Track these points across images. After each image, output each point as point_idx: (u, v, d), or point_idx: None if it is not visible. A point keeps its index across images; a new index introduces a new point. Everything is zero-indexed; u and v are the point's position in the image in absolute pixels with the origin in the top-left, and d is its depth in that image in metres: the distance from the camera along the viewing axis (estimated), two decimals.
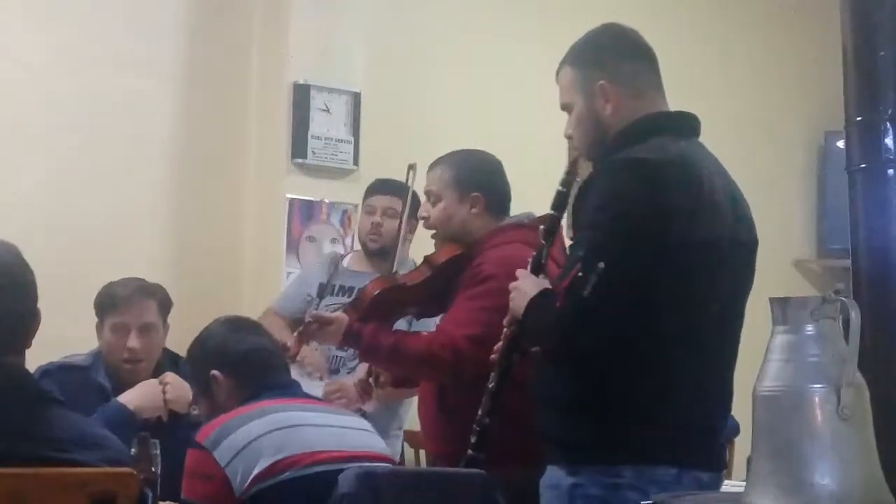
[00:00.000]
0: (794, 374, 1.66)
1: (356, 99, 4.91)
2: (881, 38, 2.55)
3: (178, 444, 2.69)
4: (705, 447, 2.52)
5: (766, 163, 5.93)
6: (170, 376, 3.28)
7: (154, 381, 3.28)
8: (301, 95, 4.79)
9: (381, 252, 4.04)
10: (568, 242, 2.66)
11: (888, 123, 2.53)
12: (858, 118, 2.59)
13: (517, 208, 3.39)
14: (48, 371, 3.23)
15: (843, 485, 1.61)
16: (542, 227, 2.81)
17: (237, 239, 4.84)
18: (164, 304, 3.40)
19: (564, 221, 2.87)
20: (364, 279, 3.55)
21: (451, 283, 3.26)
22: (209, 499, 2.61)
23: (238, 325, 3.01)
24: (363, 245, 4.17)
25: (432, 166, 3.38)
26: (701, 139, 2.65)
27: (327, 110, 4.84)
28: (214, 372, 2.88)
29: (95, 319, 3.38)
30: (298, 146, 4.78)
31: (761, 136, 6.05)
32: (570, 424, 2.51)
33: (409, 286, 3.33)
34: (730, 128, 5.27)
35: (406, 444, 4.31)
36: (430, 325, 3.52)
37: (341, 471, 2.59)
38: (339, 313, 3.32)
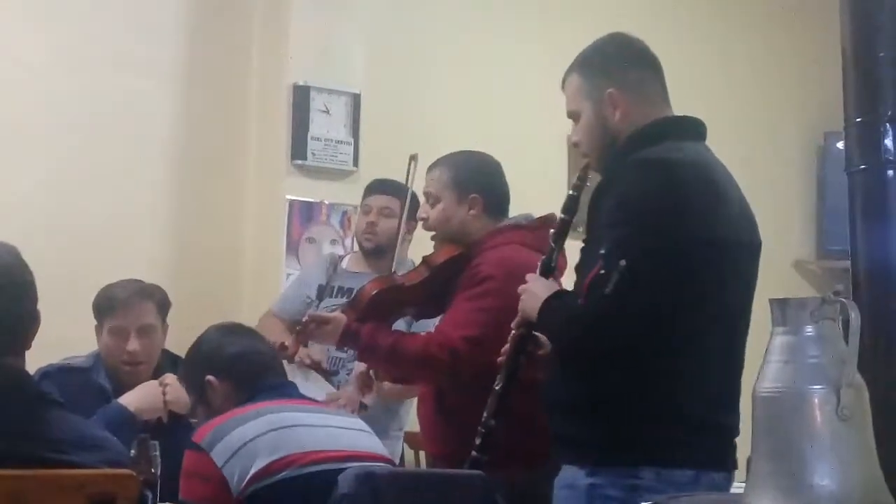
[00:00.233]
0: (793, 375, 1.66)
1: (356, 100, 4.91)
2: (881, 40, 2.55)
3: (178, 445, 2.68)
4: (720, 448, 2.53)
5: (765, 163, 5.92)
6: (169, 378, 3.27)
7: (154, 382, 3.28)
8: (301, 97, 4.79)
9: (376, 251, 4.04)
10: (579, 245, 2.65)
11: (888, 124, 2.53)
12: (858, 119, 2.59)
13: (517, 209, 3.39)
14: (48, 373, 3.23)
15: (843, 486, 1.61)
16: (552, 230, 2.81)
17: (237, 240, 4.83)
18: (163, 305, 3.39)
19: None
20: (363, 280, 3.55)
21: (449, 284, 3.26)
22: (206, 499, 2.61)
23: (231, 330, 3.02)
24: (359, 245, 4.17)
25: (431, 168, 3.39)
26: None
27: (327, 111, 4.84)
28: (209, 377, 2.88)
29: (95, 321, 3.38)
30: (298, 147, 4.78)
31: (761, 137, 6.05)
32: (588, 424, 2.50)
33: (407, 286, 3.33)
34: (730, 128, 5.25)
35: (406, 446, 4.31)
36: (429, 326, 3.51)
37: (338, 471, 2.59)
38: (337, 313, 3.32)
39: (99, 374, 3.33)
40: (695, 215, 2.43)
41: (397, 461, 3.99)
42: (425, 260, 3.36)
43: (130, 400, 3.21)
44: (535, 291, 2.64)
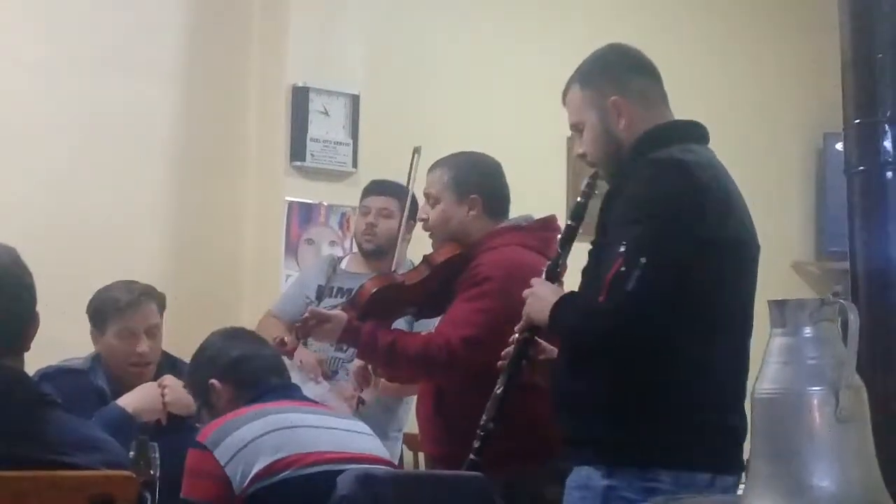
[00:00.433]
0: (792, 376, 1.66)
1: (355, 101, 4.91)
2: (880, 41, 2.55)
3: (177, 447, 2.69)
4: (733, 450, 2.53)
5: (764, 164, 5.92)
6: (168, 379, 3.27)
7: (153, 384, 3.28)
8: (300, 98, 4.79)
9: (376, 252, 4.05)
10: (582, 249, 2.66)
11: (886, 126, 2.52)
12: (857, 120, 2.58)
13: (516, 210, 3.39)
14: (47, 374, 3.22)
15: (842, 486, 1.61)
16: (559, 236, 2.81)
17: (237, 241, 4.84)
18: (162, 305, 3.41)
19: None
20: (362, 281, 3.55)
21: (449, 284, 3.26)
22: (209, 498, 2.64)
23: (233, 334, 3.06)
24: (358, 246, 4.18)
25: (431, 168, 3.39)
26: None
27: (326, 113, 4.84)
28: (212, 381, 2.92)
29: (91, 325, 3.37)
30: (297, 149, 4.78)
31: (761, 138, 6.05)
32: (604, 424, 2.49)
33: (407, 285, 3.33)
34: (729, 129, 5.25)
35: (405, 447, 4.31)
36: (430, 325, 3.52)
37: (339, 472, 2.61)
38: (337, 311, 3.32)
39: (97, 375, 3.32)
40: (711, 215, 2.46)
41: (396, 462, 3.99)
42: (426, 259, 3.37)
43: (129, 401, 3.21)
44: (541, 295, 2.63)
